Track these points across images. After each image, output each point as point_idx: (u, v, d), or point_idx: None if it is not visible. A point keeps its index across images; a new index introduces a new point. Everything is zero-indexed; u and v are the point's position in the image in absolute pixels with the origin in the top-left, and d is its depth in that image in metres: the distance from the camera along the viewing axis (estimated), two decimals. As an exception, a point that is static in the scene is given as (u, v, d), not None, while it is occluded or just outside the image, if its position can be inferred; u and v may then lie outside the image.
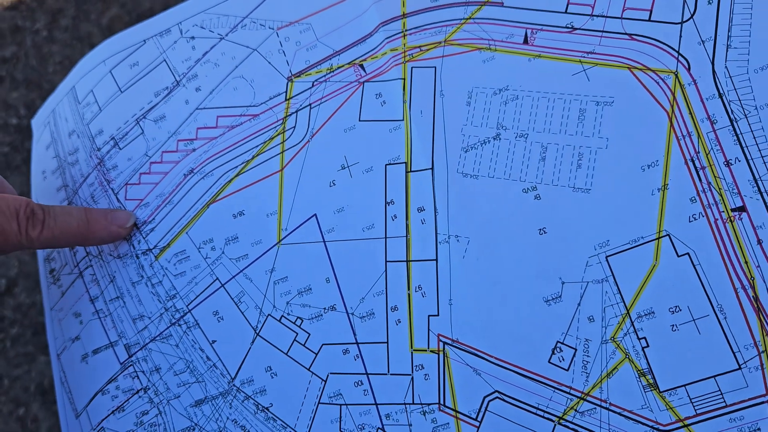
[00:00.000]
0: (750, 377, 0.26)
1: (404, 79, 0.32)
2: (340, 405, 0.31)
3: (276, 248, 0.33)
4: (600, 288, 0.28)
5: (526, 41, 0.31)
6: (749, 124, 0.28)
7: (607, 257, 0.28)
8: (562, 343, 0.28)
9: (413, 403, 0.30)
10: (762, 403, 0.26)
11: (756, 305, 0.26)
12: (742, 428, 0.26)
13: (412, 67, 0.32)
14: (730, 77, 0.28)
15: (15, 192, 0.35)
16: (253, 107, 0.35)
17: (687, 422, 0.26)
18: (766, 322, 0.26)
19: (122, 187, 0.36)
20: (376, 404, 0.30)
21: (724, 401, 0.26)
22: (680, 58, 0.29)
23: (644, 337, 0.27)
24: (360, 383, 0.31)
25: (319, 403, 0.31)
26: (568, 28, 0.31)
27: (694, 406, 0.26)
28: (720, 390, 0.26)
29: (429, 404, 0.30)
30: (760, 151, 0.27)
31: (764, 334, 0.26)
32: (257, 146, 0.34)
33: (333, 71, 0.34)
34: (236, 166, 0.34)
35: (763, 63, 0.28)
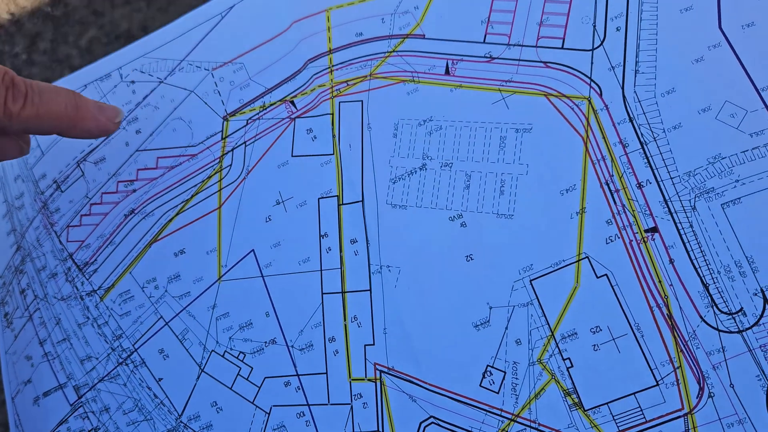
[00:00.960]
0: (667, 393, 0.27)
1: (333, 113, 0.33)
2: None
3: (217, 285, 0.33)
4: (526, 311, 0.29)
5: (447, 72, 0.32)
6: (658, 147, 0.29)
7: (531, 281, 0.29)
8: (492, 367, 0.29)
9: (353, 432, 0.30)
10: (678, 417, 0.26)
11: (670, 323, 0.27)
12: (662, 444, 0.26)
13: (339, 102, 0.33)
14: (639, 102, 0.29)
15: None
16: (192, 147, 0.36)
17: (611, 439, 0.27)
18: (679, 338, 0.27)
19: (64, 229, 0.37)
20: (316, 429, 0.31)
21: (644, 417, 0.27)
22: (592, 84, 0.30)
23: (569, 358, 0.28)
24: (302, 414, 0.31)
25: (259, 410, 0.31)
26: (486, 57, 0.32)
27: (616, 423, 0.27)
28: (640, 406, 0.27)
29: (368, 432, 0.30)
30: (669, 172, 0.28)
31: (678, 350, 0.27)
32: (196, 185, 0.35)
33: (266, 108, 0.35)
34: (176, 206, 0.35)
35: (669, 87, 0.29)
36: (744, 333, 0.26)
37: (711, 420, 0.26)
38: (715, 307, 0.27)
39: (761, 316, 0.26)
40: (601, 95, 0.30)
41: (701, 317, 0.27)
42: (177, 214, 0.35)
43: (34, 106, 0.28)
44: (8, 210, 0.40)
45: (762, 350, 0.26)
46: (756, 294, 0.26)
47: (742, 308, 0.26)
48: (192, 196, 0.35)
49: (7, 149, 0.32)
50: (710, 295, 0.27)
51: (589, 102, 0.30)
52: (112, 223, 0.36)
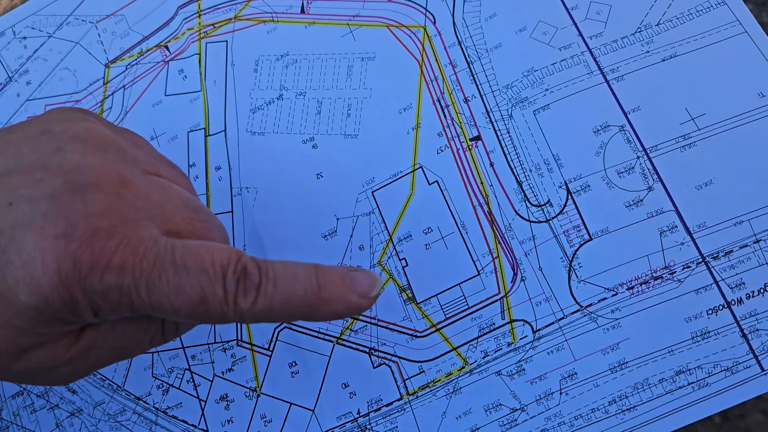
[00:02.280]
0: (486, 281, 0.29)
1: (200, 54, 0.36)
2: (152, 353, 0.33)
3: (96, 217, 0.36)
4: (368, 220, 0.32)
5: (303, 11, 0.35)
6: (482, 65, 0.32)
7: (373, 192, 0.32)
8: (338, 272, 0.32)
9: (215, 342, 0.33)
10: (495, 301, 0.29)
11: (490, 219, 0.30)
12: (480, 324, 0.29)
13: (206, 43, 0.36)
14: (467, 26, 0.32)
15: (193, 189, 0.25)
16: (76, 94, 0.38)
17: (439, 326, 0.30)
18: (497, 232, 0.30)
19: (-39, 177, 0.39)
20: (183, 347, 0.33)
21: (467, 304, 0.29)
22: (427, 13, 0.33)
23: (404, 258, 0.31)
24: (172, 330, 0.33)
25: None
26: (336, -3, 0.35)
27: (444, 312, 0.30)
28: (464, 295, 0.30)
29: (228, 341, 0.32)
30: (490, 87, 0.31)
31: (497, 242, 0.30)
32: (79, 128, 0.37)
33: (143, 54, 0.37)
34: (62, 148, 0.37)
35: (492, 12, 0.32)
36: (551, 222, 0.29)
37: (523, 300, 0.29)
38: (527, 201, 0.29)
39: (564, 205, 0.29)
40: (435, 23, 0.33)
41: (516, 211, 0.30)
42: (62, 155, 0.37)
43: (267, 299, 0.21)
44: None
45: (565, 235, 0.29)
46: (561, 186, 0.29)
47: (549, 200, 0.29)
48: (75, 138, 0.37)
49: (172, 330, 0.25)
50: (523, 191, 0.30)
51: (425, 30, 0.33)
52: (2, 168, 0.38)
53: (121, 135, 0.24)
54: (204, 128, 0.35)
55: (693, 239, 0.27)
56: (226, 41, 0.36)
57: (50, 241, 0.19)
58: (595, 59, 0.30)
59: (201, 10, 0.37)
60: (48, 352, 0.20)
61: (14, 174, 0.20)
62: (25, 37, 0.40)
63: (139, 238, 0.20)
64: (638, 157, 0.28)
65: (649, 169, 0.28)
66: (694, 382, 0.26)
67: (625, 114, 0.29)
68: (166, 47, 0.37)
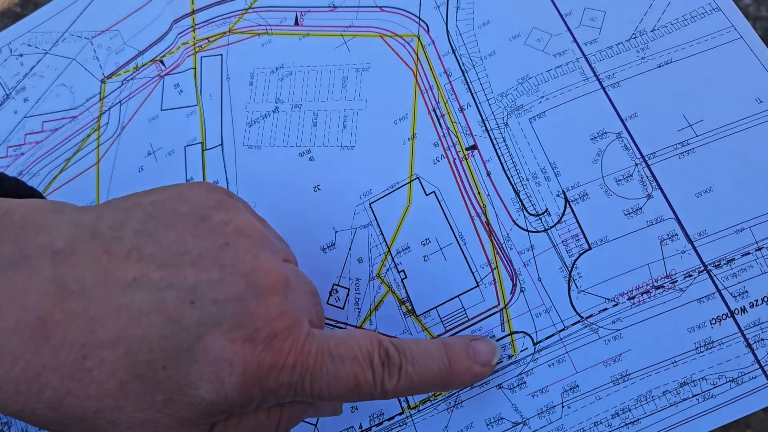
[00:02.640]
0: (485, 292, 0.29)
1: (195, 68, 0.36)
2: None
3: (95, 234, 0.36)
4: (366, 232, 0.31)
5: (297, 23, 0.35)
6: (476, 73, 0.31)
7: (370, 204, 0.32)
8: (338, 285, 0.31)
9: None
10: (495, 313, 0.29)
11: (487, 229, 0.30)
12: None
13: (201, 57, 0.36)
14: (461, 34, 0.32)
15: (294, 259, 0.27)
16: (73, 110, 0.38)
17: (439, 339, 0.29)
18: (495, 242, 0.29)
19: (-39, 196, 0.39)
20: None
21: (467, 316, 0.29)
22: (421, 22, 0.33)
23: (403, 270, 0.31)
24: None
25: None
26: (330, 7, 0.34)
27: (444, 325, 0.29)
28: (463, 307, 0.29)
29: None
30: (485, 95, 0.31)
31: (495, 253, 0.29)
32: (77, 144, 0.37)
33: (138, 69, 0.37)
34: (59, 164, 0.37)
35: (485, 20, 0.32)
36: (549, 231, 0.29)
37: (522, 312, 0.28)
38: (524, 211, 0.29)
39: (563, 214, 0.28)
40: (428, 32, 0.33)
41: (513, 221, 0.29)
42: (60, 171, 0.37)
43: (408, 378, 0.24)
44: None
45: (564, 245, 0.28)
46: (558, 195, 0.29)
47: (547, 209, 0.29)
48: (73, 154, 0.37)
49: (323, 411, 0.27)
50: (521, 201, 0.29)
51: (419, 39, 0.33)
52: (2, 186, 0.38)
53: (251, 211, 0.25)
54: (201, 142, 0.35)
55: (694, 247, 0.26)
56: (221, 55, 0.36)
57: (238, 344, 0.20)
58: (590, 66, 0.30)
59: (195, 25, 0.36)
60: None
61: (186, 266, 0.21)
62: (21, 54, 0.40)
63: (304, 336, 0.22)
64: (636, 164, 0.28)
65: (647, 177, 0.28)
66: (698, 394, 0.25)
67: (622, 121, 0.28)
68: (162, 62, 0.37)
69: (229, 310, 0.20)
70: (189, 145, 0.35)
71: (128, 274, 0.20)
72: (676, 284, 0.26)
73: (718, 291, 0.26)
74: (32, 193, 0.28)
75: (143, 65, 0.37)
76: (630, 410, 0.26)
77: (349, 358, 0.22)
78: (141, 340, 0.20)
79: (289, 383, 0.21)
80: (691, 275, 0.26)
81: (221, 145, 0.35)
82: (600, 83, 0.29)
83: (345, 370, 0.22)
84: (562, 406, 0.27)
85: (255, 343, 0.20)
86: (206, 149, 0.35)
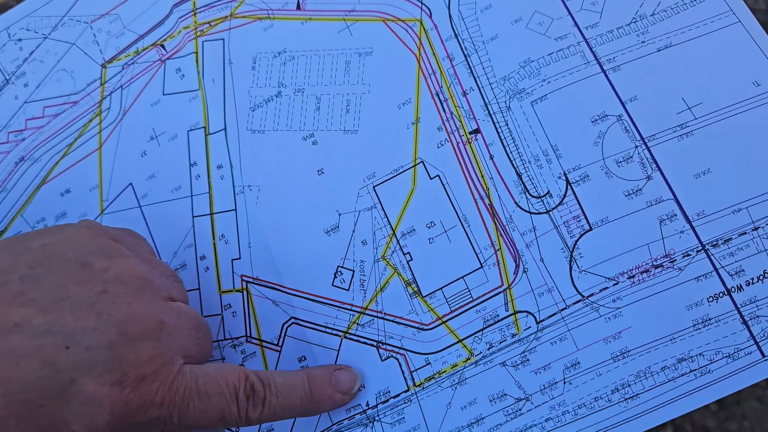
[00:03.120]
0: (489, 273, 0.30)
1: (197, 52, 0.36)
2: (163, 350, 0.34)
3: (100, 218, 0.36)
4: (370, 215, 0.32)
5: (298, 7, 0.35)
6: (479, 57, 0.32)
7: (374, 187, 0.32)
8: (342, 267, 0.32)
9: (224, 339, 0.33)
10: (499, 293, 0.29)
11: (491, 211, 0.30)
12: (485, 317, 0.29)
13: (203, 41, 0.36)
14: (463, 19, 0.32)
15: (184, 295, 0.29)
16: (74, 95, 0.38)
17: (444, 319, 0.30)
18: (499, 224, 0.30)
19: (-38, 181, 0.39)
20: (193, 344, 0.33)
21: (471, 296, 0.30)
22: (423, 6, 0.33)
23: (408, 252, 0.31)
24: (180, 329, 0.34)
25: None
26: (332, -9, 0.35)
27: (449, 305, 0.30)
28: (468, 287, 0.30)
29: (238, 338, 0.33)
30: (488, 79, 0.31)
31: (498, 234, 0.30)
32: (78, 129, 0.37)
33: (139, 54, 0.37)
34: (61, 150, 0.37)
35: (487, 4, 0.32)
36: (551, 213, 0.29)
37: (525, 292, 0.29)
38: (527, 193, 0.30)
39: (564, 196, 0.29)
40: (431, 16, 0.33)
41: (516, 203, 0.30)
42: (62, 157, 0.37)
43: (271, 408, 0.26)
44: None
45: (565, 226, 0.29)
46: (560, 177, 0.29)
47: (549, 191, 0.29)
48: (75, 140, 0.37)
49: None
50: (523, 183, 0.30)
51: (421, 23, 0.33)
52: (3, 171, 0.38)
53: (137, 251, 0.27)
54: (204, 127, 0.35)
55: (692, 227, 0.27)
56: (223, 39, 0.36)
57: (107, 387, 0.22)
58: (591, 49, 0.30)
59: (196, 9, 0.36)
60: None
61: (65, 312, 0.23)
62: (20, 39, 0.40)
63: (173, 376, 0.24)
64: (636, 147, 0.28)
65: (647, 158, 0.28)
66: (696, 369, 0.26)
67: (623, 104, 0.29)
68: (162, 46, 0.37)
69: (100, 357, 0.22)
70: (192, 130, 0.35)
71: (11, 318, 0.22)
72: (674, 263, 0.27)
73: (716, 270, 0.27)
74: None
75: (144, 49, 0.37)
76: (629, 385, 0.27)
77: (216, 394, 0.25)
78: (20, 382, 0.22)
79: (157, 417, 0.24)
80: (689, 254, 0.27)
81: (224, 129, 0.35)
82: (601, 67, 0.30)
83: (211, 406, 0.25)
84: (564, 383, 0.27)
85: (123, 386, 0.23)
86: (209, 134, 0.35)
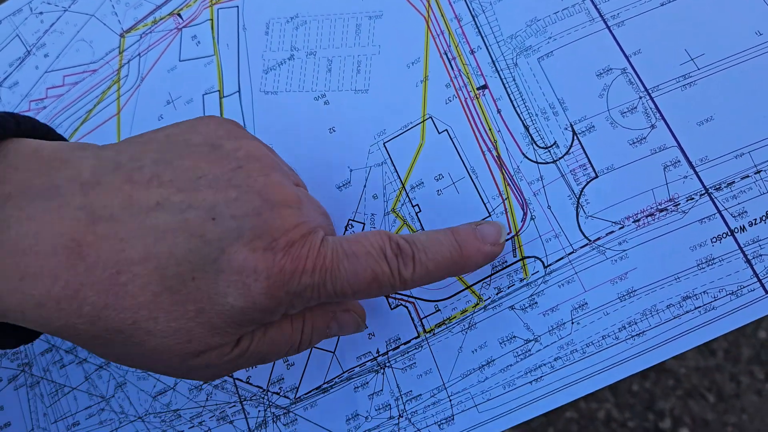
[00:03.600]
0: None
1: (212, 19, 0.37)
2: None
3: (117, 180, 0.37)
4: (381, 170, 0.33)
5: (311, -25, 0.36)
6: (486, 17, 0.33)
7: (384, 143, 0.33)
8: (353, 220, 0.33)
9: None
10: (507, 240, 0.30)
11: (498, 162, 0.31)
12: (493, 263, 0.30)
13: (218, 9, 0.37)
14: (471, -19, 0.33)
15: (304, 185, 0.29)
16: (93, 64, 0.39)
17: (453, 268, 0.31)
18: (506, 175, 0.31)
19: (-16, 148, 0.40)
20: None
21: (480, 245, 0.30)
22: (432, -29, 0.34)
23: (417, 204, 0.32)
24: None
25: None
26: (343, -41, 0.36)
27: (457, 254, 0.31)
28: (476, 237, 0.31)
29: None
30: (495, 38, 0.32)
31: (506, 184, 0.31)
32: (97, 96, 0.39)
33: (156, 23, 0.38)
34: (81, 116, 0.39)
35: (494, -35, 0.33)
36: (557, 162, 0.30)
37: (533, 238, 0.30)
38: (534, 144, 0.31)
39: (570, 146, 0.30)
40: (439, -20, 0.34)
41: (523, 154, 0.31)
42: (82, 123, 0.38)
43: (422, 265, 0.25)
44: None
45: (572, 174, 0.30)
46: (566, 128, 0.30)
47: (555, 142, 0.30)
48: (94, 106, 0.38)
49: (348, 325, 0.28)
50: (530, 135, 0.31)
51: (430, -13, 0.34)
52: (24, 138, 0.39)
53: (268, 149, 0.27)
54: (219, 90, 0.36)
55: (696, 172, 0.28)
56: (237, 6, 0.37)
57: (259, 253, 0.22)
58: (596, 6, 0.31)
59: (212, -22, 0.38)
60: (219, 353, 0.23)
61: (203, 189, 0.22)
62: (41, 12, 0.41)
63: (319, 242, 0.24)
64: (640, 98, 0.29)
65: (651, 108, 0.29)
66: (700, 306, 0.27)
67: (627, 57, 0.30)
68: (179, 15, 0.38)
69: (247, 224, 0.22)
70: (207, 93, 0.36)
71: (151, 198, 0.22)
72: (678, 207, 0.28)
73: (719, 212, 0.27)
74: (60, 139, 0.30)
75: (161, 19, 0.38)
76: (636, 323, 0.27)
77: (363, 254, 0.24)
78: (169, 256, 0.21)
79: (311, 285, 0.23)
80: (692, 198, 0.28)
81: (238, 92, 0.36)
82: (605, 23, 0.31)
83: (362, 266, 0.24)
84: (572, 323, 0.28)
85: (275, 251, 0.22)
86: (224, 96, 0.36)
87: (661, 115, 0.29)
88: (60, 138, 0.29)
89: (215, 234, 0.22)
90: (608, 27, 0.31)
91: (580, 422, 0.78)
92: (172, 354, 0.22)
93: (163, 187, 0.22)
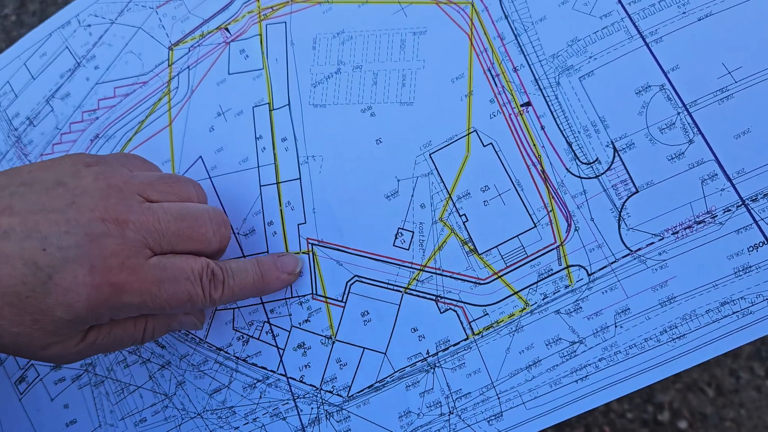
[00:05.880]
0: (543, 231, 0.32)
1: (261, 35, 0.39)
2: (233, 308, 0.37)
3: (171, 189, 0.38)
4: (427, 180, 0.35)
5: (356, -8, 0.38)
6: (528, 37, 0.34)
7: (430, 154, 0.35)
8: (402, 229, 0.35)
9: (291, 297, 0.36)
10: (552, 249, 0.32)
11: (543, 176, 0.33)
12: (539, 271, 0.32)
13: (266, 25, 0.39)
14: (512, 1, 0.35)
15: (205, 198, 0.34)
16: (143, 76, 0.41)
17: (500, 273, 0.33)
18: (551, 188, 0.33)
19: (38, 158, 0.42)
20: (262, 303, 0.36)
21: (526, 253, 0.32)
22: (474, -11, 0.36)
23: (464, 214, 0.34)
24: (249, 289, 0.36)
25: (215, 310, 0.37)
26: (387, -24, 0.37)
27: (504, 261, 0.33)
28: (522, 245, 0.33)
29: (304, 295, 0.36)
30: (537, 56, 0.34)
31: (551, 197, 0.32)
32: (149, 107, 0.40)
33: (204, 37, 0.40)
34: (133, 127, 0.40)
35: (535, -15, 0.35)
36: (600, 177, 0.32)
37: (577, 248, 0.32)
38: (577, 160, 0.32)
39: (612, 162, 0.32)
40: (482, -2, 0.36)
41: (567, 169, 0.32)
42: (135, 133, 0.40)
43: (229, 288, 0.31)
44: (-16, 151, 0.45)
45: (613, 189, 0.31)
46: (608, 146, 0.32)
47: (597, 158, 0.32)
48: (146, 117, 0.40)
49: (187, 324, 0.35)
50: (573, 151, 0.32)
51: (473, 5, 0.36)
52: (81, 148, 0.41)
53: (118, 163, 0.31)
54: (268, 103, 0.38)
55: (733, 185, 0.30)
56: (285, 22, 0.38)
57: (80, 278, 0.27)
58: (634, 24, 0.33)
59: (259, -6, 0.39)
60: (63, 346, 0.29)
61: (42, 221, 0.27)
62: (89, 25, 0.43)
63: (140, 266, 0.28)
64: (678, 113, 0.31)
65: (689, 123, 0.31)
66: (738, 311, 0.29)
67: (665, 73, 0.32)
68: (227, 29, 0.40)
69: (71, 254, 0.27)
70: (257, 106, 0.38)
71: (1, 226, 0.27)
72: (716, 219, 0.30)
73: (755, 222, 0.29)
74: None
75: (209, 33, 0.40)
76: (676, 327, 0.29)
77: (183, 279, 0.29)
78: (9, 277, 0.26)
79: (131, 302, 0.28)
80: (729, 210, 0.30)
81: (288, 104, 0.37)
82: (643, 40, 0.32)
83: (180, 289, 0.29)
84: (615, 326, 0.30)
85: (94, 276, 0.27)
86: (273, 109, 0.38)
87: (699, 129, 0.31)
88: None
89: (45, 262, 0.27)
90: (647, 44, 0.32)
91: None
92: (22, 348, 0.28)
93: (13, 216, 0.27)
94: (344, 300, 0.35)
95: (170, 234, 0.30)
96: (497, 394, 0.32)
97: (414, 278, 0.34)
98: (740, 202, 0.29)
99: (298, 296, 0.36)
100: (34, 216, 0.27)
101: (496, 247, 0.33)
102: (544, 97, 0.33)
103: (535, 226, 0.32)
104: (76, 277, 0.27)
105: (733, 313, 0.29)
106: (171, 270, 0.29)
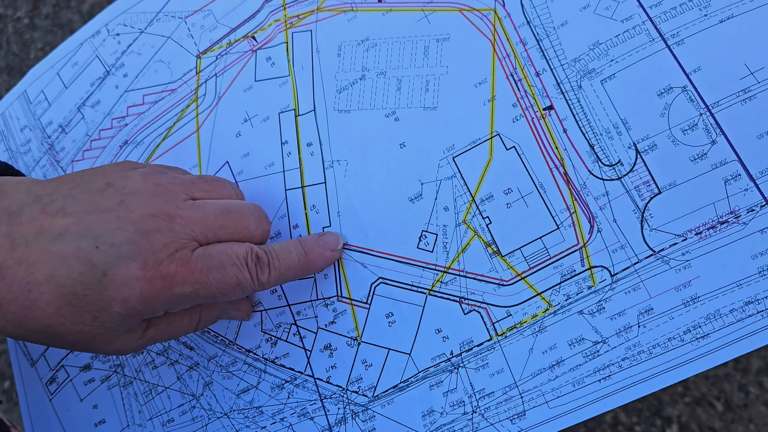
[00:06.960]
0: (565, 233, 0.33)
1: (287, 42, 0.40)
2: (261, 311, 0.37)
3: (198, 193, 0.39)
4: (450, 183, 0.35)
5: (380, 0, 0.39)
6: (550, 42, 0.35)
7: (453, 158, 0.35)
8: (426, 231, 0.35)
9: (317, 299, 0.36)
10: (575, 250, 0.32)
11: (565, 178, 0.33)
12: (562, 272, 0.32)
13: (292, 33, 0.40)
14: (534, 8, 0.35)
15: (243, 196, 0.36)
16: (171, 83, 0.42)
17: (524, 275, 0.33)
18: (573, 190, 0.33)
19: (69, 164, 0.43)
20: (289, 305, 0.37)
21: (549, 254, 0.33)
22: (496, -4, 0.36)
23: (487, 216, 0.34)
24: (275, 291, 0.37)
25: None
26: (410, -15, 0.38)
27: (527, 262, 0.33)
28: (545, 246, 0.33)
29: (329, 297, 0.36)
30: (559, 61, 0.34)
31: (573, 199, 0.33)
32: (177, 114, 0.41)
33: (231, 45, 0.41)
34: (162, 133, 0.41)
35: (557, -9, 0.35)
36: (622, 179, 0.32)
37: (600, 249, 0.32)
38: (599, 162, 0.33)
39: (634, 164, 0.32)
40: (504, 5, 0.36)
41: (589, 171, 0.33)
42: (163, 139, 0.41)
43: (276, 270, 0.32)
44: (10, 157, 0.46)
45: (636, 191, 0.32)
46: (630, 147, 0.32)
47: (620, 160, 0.32)
48: (174, 123, 0.41)
49: (236, 316, 0.37)
50: (595, 153, 0.33)
51: (495, 12, 0.36)
52: (110, 154, 0.42)
53: (165, 171, 0.33)
54: (294, 109, 0.39)
55: (756, 185, 0.30)
56: (311, 30, 0.39)
57: (133, 272, 0.28)
58: (655, 27, 0.33)
59: (286, 4, 0.40)
60: (125, 340, 0.30)
61: (94, 221, 0.28)
62: (118, 34, 0.44)
63: (189, 257, 0.29)
64: (701, 114, 0.31)
65: (711, 124, 0.31)
66: (763, 311, 0.29)
67: (687, 75, 0.32)
68: (254, 37, 0.41)
69: (123, 250, 0.28)
70: (283, 112, 0.39)
71: (56, 228, 0.28)
72: (739, 219, 0.30)
73: (778, 223, 0.29)
74: (18, 174, 0.36)
75: (236, 41, 0.41)
76: (700, 326, 0.29)
77: (230, 265, 0.30)
78: (66, 277, 0.27)
79: (184, 294, 0.29)
80: (753, 210, 0.30)
81: (313, 110, 0.38)
82: (665, 42, 0.33)
83: (227, 275, 0.30)
84: (638, 326, 0.30)
85: (146, 269, 0.28)
86: (299, 115, 0.39)
87: (722, 130, 0.31)
88: (17, 173, 0.36)
89: (99, 259, 0.27)
90: (668, 46, 0.33)
91: (587, 424, 0.80)
92: (86, 345, 0.29)
93: (67, 218, 0.28)
94: (369, 302, 0.35)
95: (216, 227, 0.31)
96: (520, 394, 0.32)
97: (438, 280, 0.34)
98: (764, 202, 0.30)
99: (324, 298, 0.36)
100: (87, 216, 0.28)
101: (520, 248, 0.33)
102: (566, 101, 0.34)
103: (558, 228, 0.33)
104: (129, 272, 0.28)
105: (758, 312, 0.29)
106: (217, 257, 0.30)
